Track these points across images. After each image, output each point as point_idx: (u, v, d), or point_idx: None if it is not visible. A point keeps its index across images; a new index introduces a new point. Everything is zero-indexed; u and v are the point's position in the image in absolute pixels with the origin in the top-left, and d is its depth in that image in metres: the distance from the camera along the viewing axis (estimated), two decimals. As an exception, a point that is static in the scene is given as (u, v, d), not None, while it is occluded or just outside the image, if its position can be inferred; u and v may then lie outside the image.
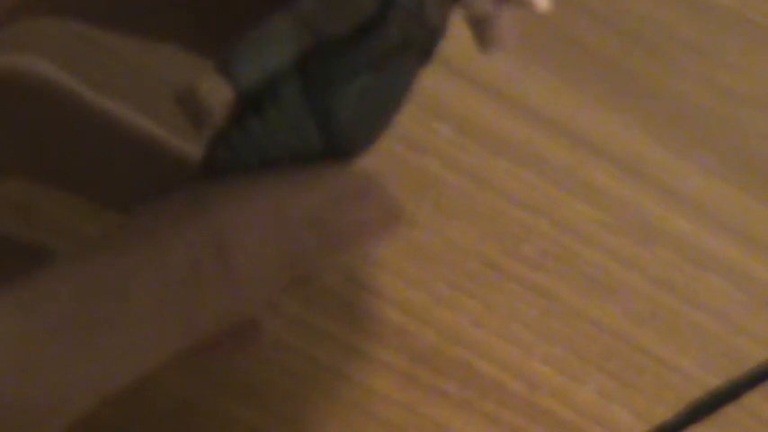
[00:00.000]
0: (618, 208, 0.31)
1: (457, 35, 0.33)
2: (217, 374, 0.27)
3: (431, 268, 0.29)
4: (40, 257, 0.23)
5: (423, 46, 0.20)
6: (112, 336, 0.18)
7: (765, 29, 0.34)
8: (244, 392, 0.27)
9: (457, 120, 0.32)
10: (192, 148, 0.23)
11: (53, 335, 0.17)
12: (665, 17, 0.34)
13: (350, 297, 0.29)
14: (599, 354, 0.29)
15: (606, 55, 0.34)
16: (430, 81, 0.32)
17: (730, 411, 0.29)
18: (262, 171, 0.20)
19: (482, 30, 0.20)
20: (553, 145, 0.32)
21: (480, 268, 0.30)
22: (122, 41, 0.27)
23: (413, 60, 0.20)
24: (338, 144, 0.20)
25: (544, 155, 0.32)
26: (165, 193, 0.20)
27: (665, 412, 0.29)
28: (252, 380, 0.27)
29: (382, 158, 0.30)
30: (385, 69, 0.19)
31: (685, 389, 0.29)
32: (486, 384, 0.28)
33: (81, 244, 0.19)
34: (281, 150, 0.19)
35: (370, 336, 0.28)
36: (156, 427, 0.27)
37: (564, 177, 0.32)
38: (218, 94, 0.18)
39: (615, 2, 0.34)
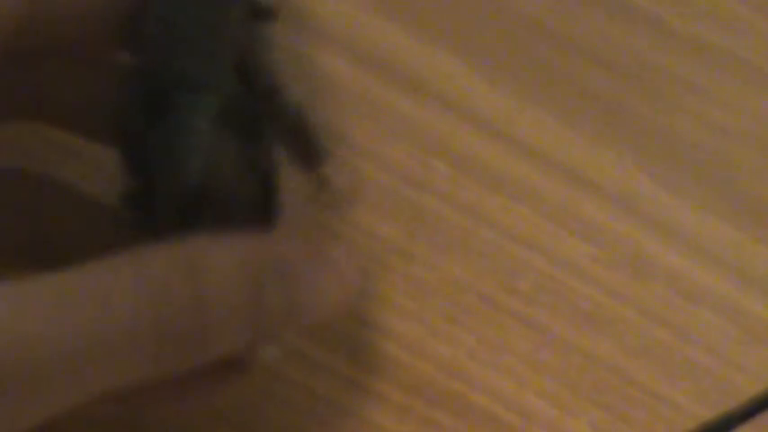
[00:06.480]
0: (612, 243, 0.32)
1: (454, 73, 0.33)
2: (215, 404, 0.27)
3: (427, 302, 0.30)
4: None
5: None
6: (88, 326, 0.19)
7: (758, 68, 0.35)
8: (241, 422, 0.28)
9: (454, 157, 0.32)
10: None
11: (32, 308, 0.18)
12: (659, 56, 0.35)
13: (347, 330, 0.29)
14: (592, 387, 0.29)
15: (601, 93, 0.34)
16: (427, 118, 0.33)
17: (722, 445, 0.29)
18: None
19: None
20: (548, 181, 0.32)
21: (476, 302, 0.30)
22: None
23: None
24: None
25: (540, 191, 0.32)
26: None
27: (658, 445, 0.29)
28: (249, 410, 0.28)
29: (380, 194, 0.31)
30: None
31: (678, 422, 0.29)
32: (480, 416, 0.28)
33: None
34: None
35: (366, 368, 0.29)
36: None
37: (559, 213, 0.32)
38: None
39: (610, 41, 0.35)
